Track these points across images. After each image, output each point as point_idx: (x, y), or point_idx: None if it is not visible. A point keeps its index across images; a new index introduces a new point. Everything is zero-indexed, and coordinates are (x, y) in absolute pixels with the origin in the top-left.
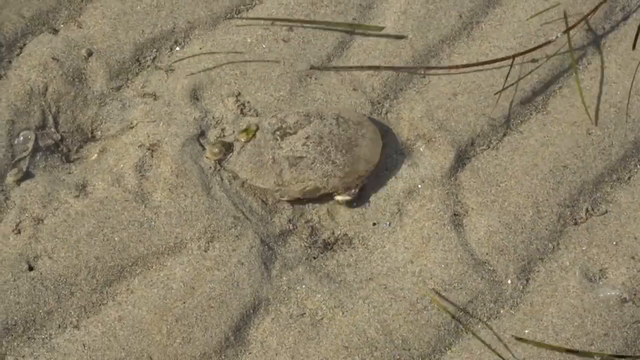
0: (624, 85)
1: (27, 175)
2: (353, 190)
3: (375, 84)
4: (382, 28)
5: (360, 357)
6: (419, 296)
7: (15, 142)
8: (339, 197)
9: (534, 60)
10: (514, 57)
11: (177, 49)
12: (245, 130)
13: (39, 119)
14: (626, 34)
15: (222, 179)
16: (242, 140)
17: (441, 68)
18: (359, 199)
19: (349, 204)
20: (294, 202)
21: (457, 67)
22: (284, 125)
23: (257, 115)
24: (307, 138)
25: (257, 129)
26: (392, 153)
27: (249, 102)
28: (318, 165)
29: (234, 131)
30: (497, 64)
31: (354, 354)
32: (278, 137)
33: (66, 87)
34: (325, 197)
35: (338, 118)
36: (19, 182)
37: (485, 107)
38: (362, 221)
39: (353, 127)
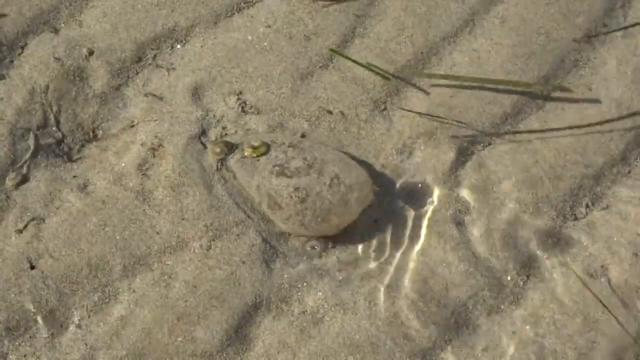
0: (624, 80)
1: (26, 178)
2: (317, 243)
3: (376, 81)
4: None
5: (361, 355)
6: (420, 294)
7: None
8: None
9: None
10: None
11: (178, 47)
12: (255, 148)
13: (40, 118)
14: (625, 31)
15: (223, 178)
16: (246, 154)
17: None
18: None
19: (317, 251)
20: None
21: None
22: (285, 165)
23: (258, 114)
24: (296, 189)
25: (267, 151)
26: (392, 151)
27: (250, 100)
28: (290, 221)
29: (236, 130)
30: (499, 61)
31: (355, 352)
32: (274, 172)
33: (67, 86)
34: None
35: (333, 180)
36: (17, 185)
37: (486, 104)
38: (365, 218)
39: (342, 192)
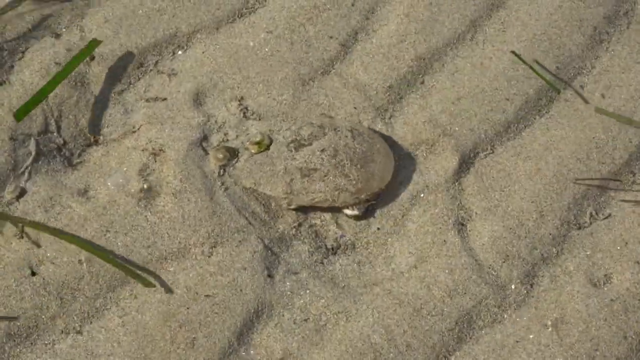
0: (627, 89)
1: (24, 192)
2: (362, 206)
3: (379, 88)
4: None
5: None
6: (423, 302)
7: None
8: (347, 212)
9: (537, 62)
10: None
11: (180, 52)
12: (258, 143)
13: (41, 123)
14: (629, 38)
15: (225, 184)
16: (253, 151)
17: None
18: (366, 212)
19: (357, 218)
20: (299, 208)
21: None
22: (298, 137)
23: (259, 119)
24: (322, 150)
25: (271, 142)
26: (396, 158)
27: (251, 106)
28: (331, 178)
29: (237, 136)
30: (501, 68)
31: (358, 359)
32: (292, 149)
33: (68, 92)
34: (333, 209)
35: (352, 130)
36: (17, 198)
37: (488, 111)
38: (366, 226)
39: (368, 142)
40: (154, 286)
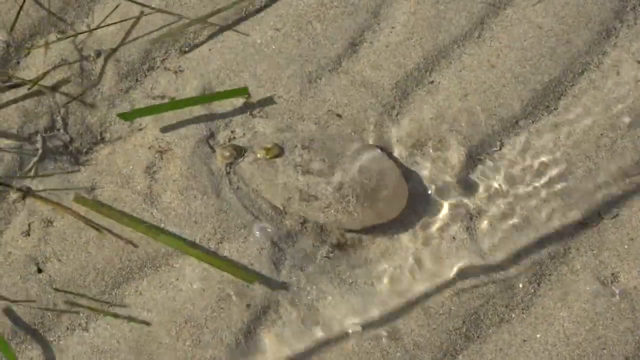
0: (637, 85)
1: (28, 193)
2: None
3: (386, 85)
4: None
5: None
6: (431, 300)
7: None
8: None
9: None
10: None
11: (187, 50)
12: (267, 150)
13: (47, 121)
14: (637, 36)
15: (231, 181)
16: (259, 155)
17: None
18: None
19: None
20: None
21: None
22: (306, 167)
23: (266, 117)
24: (327, 183)
25: (280, 153)
26: (401, 156)
27: (258, 103)
28: (332, 212)
29: (244, 134)
30: (508, 64)
31: (365, 359)
32: (299, 171)
33: (75, 89)
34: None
35: (361, 170)
36: (24, 197)
37: (496, 107)
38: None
39: (377, 177)
40: (255, 281)
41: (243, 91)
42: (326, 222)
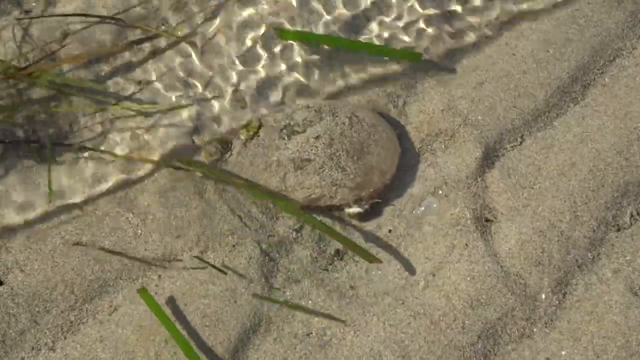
0: None
1: None
2: (364, 203)
3: (389, 73)
4: None
5: None
6: (441, 313)
7: None
8: (349, 210)
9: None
10: None
11: (163, 28)
12: (246, 126)
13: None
14: None
15: (217, 181)
16: (242, 137)
17: None
18: (374, 212)
19: (362, 217)
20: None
21: None
22: (291, 123)
23: (256, 108)
24: (316, 138)
25: (260, 125)
26: (410, 151)
27: (249, 93)
28: (327, 171)
29: (232, 127)
30: (530, 48)
31: None
32: (285, 136)
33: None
34: (334, 208)
35: (351, 117)
36: None
37: (516, 97)
38: (376, 228)
39: (366, 130)
40: (380, 261)
41: (416, 56)
42: (323, 185)
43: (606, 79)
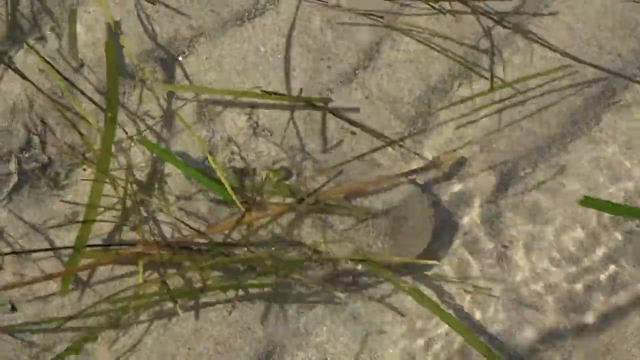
0: None
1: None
2: None
3: (406, 99)
4: None
5: None
6: (458, 340)
7: None
8: None
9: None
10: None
11: (180, 59)
12: (274, 173)
13: (23, 139)
14: None
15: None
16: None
17: None
18: None
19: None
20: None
21: None
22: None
23: (270, 135)
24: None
25: (286, 178)
26: (424, 177)
27: (262, 120)
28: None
29: (247, 155)
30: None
31: None
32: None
33: (53, 102)
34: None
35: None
36: None
37: (531, 123)
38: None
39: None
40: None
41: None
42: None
43: (625, 99)
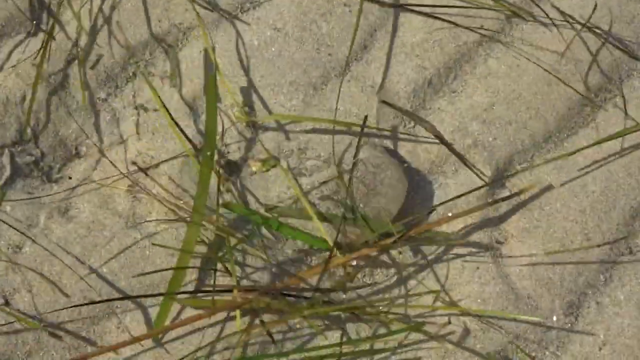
0: None
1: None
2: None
3: (401, 93)
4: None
5: None
6: (453, 336)
7: None
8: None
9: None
10: None
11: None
12: (263, 162)
13: (15, 132)
14: None
15: (226, 202)
16: (254, 169)
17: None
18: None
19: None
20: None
21: None
22: (300, 167)
23: (265, 130)
24: (321, 183)
25: (275, 165)
26: (420, 173)
27: (256, 113)
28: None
29: (239, 148)
30: (541, 70)
31: None
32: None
33: (46, 96)
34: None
35: (357, 162)
36: None
37: (527, 119)
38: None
39: (372, 172)
40: None
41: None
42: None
43: (617, 101)
